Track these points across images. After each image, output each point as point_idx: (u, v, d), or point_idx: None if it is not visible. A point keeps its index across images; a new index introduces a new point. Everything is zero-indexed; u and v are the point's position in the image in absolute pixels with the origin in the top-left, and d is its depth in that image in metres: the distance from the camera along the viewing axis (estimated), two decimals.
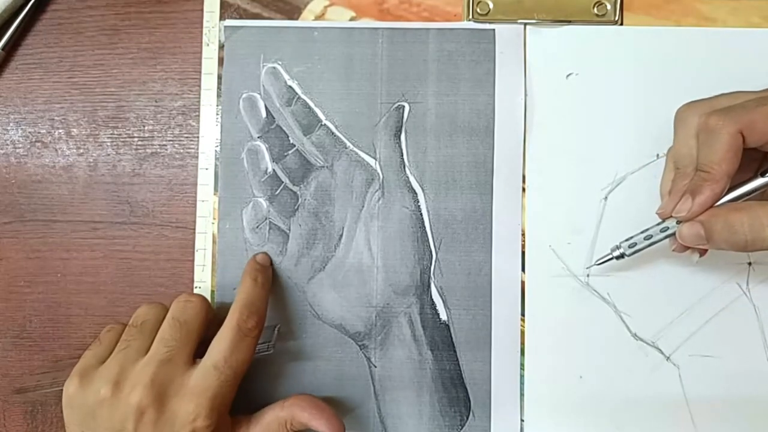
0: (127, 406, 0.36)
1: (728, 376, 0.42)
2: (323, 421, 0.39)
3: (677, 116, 0.39)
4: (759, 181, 0.36)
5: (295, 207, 0.43)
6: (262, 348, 0.41)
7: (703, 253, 0.39)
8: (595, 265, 0.41)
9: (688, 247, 0.38)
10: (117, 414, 0.36)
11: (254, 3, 0.44)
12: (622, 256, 0.40)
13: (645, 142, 0.43)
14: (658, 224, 0.39)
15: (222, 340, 0.38)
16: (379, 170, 0.43)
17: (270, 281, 0.42)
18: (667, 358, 0.42)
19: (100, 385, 0.37)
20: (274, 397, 0.42)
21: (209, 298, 0.43)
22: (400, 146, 0.43)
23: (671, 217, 0.37)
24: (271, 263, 0.43)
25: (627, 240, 0.39)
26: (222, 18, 0.44)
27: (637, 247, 0.39)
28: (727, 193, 0.36)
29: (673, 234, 0.38)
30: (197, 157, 0.44)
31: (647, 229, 0.39)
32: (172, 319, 0.39)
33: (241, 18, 0.44)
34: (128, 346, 0.38)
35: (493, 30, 0.44)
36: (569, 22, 0.44)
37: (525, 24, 0.44)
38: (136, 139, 0.45)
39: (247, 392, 0.42)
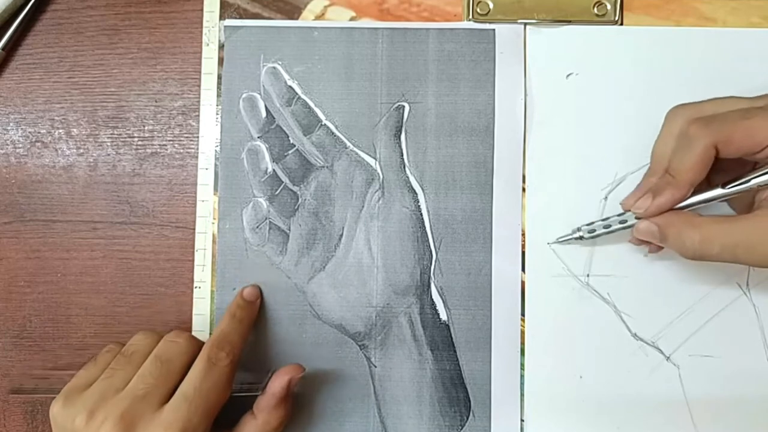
0: None
1: (728, 376, 0.42)
2: (285, 389, 0.40)
3: (667, 115, 0.39)
4: (716, 192, 0.37)
5: (295, 207, 0.43)
6: (252, 388, 0.40)
7: (655, 249, 0.41)
8: (556, 242, 0.43)
9: (643, 242, 0.40)
10: None
11: (254, 3, 0.44)
12: (581, 238, 0.41)
13: (645, 142, 0.43)
14: (620, 215, 0.40)
15: (193, 370, 0.38)
16: (379, 170, 0.43)
17: (252, 317, 0.42)
18: (667, 358, 0.42)
19: (77, 411, 0.37)
20: None
21: (209, 298, 0.43)
22: (400, 146, 0.43)
23: (630, 211, 0.39)
24: (261, 296, 0.43)
25: (588, 225, 0.41)
26: (222, 18, 0.44)
27: (596, 233, 0.41)
28: (691, 195, 0.37)
29: (631, 227, 0.39)
30: (197, 157, 0.44)
31: (608, 218, 0.40)
32: (155, 357, 0.38)
33: (241, 18, 0.44)
34: (113, 375, 0.38)
35: (493, 30, 0.44)
36: (569, 22, 0.44)
37: (525, 24, 0.44)
38: (136, 139, 0.45)
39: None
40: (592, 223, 0.41)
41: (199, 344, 0.40)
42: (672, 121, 0.38)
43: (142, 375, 0.38)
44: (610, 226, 0.40)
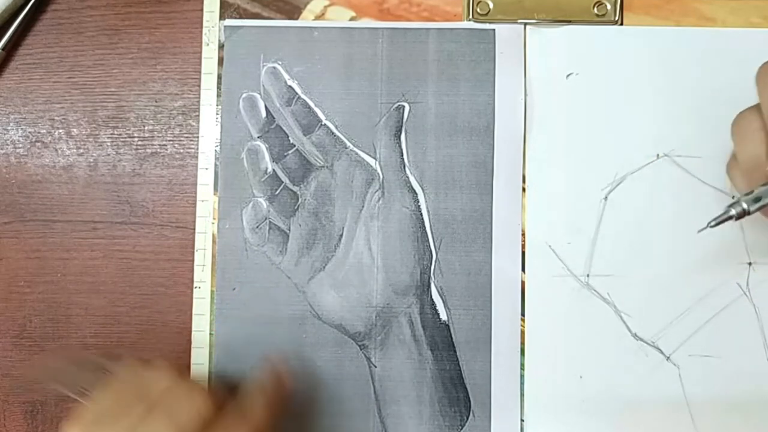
0: None
1: (728, 376, 0.42)
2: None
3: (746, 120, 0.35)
4: None
5: (295, 207, 0.43)
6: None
7: None
8: (708, 227, 0.36)
9: None
10: None
11: (254, 3, 0.44)
12: (745, 213, 0.35)
13: (645, 142, 0.43)
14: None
15: None
16: (379, 170, 0.43)
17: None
18: (667, 358, 0.42)
19: None
20: None
21: (209, 298, 0.43)
22: (400, 146, 0.43)
23: None
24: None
25: (748, 195, 0.34)
26: (222, 18, 0.44)
27: (762, 202, 0.34)
28: None
29: None
30: (197, 157, 0.44)
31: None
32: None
33: (241, 18, 0.44)
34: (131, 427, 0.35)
35: (493, 30, 0.44)
36: (569, 22, 0.44)
37: (525, 24, 0.44)
38: (136, 139, 0.45)
39: None
40: (752, 192, 0.34)
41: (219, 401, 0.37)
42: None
43: None
44: None
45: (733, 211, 0.35)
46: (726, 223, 0.42)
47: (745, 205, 0.35)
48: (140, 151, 0.45)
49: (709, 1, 0.44)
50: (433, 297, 0.43)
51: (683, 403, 0.42)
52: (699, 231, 0.37)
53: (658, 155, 0.43)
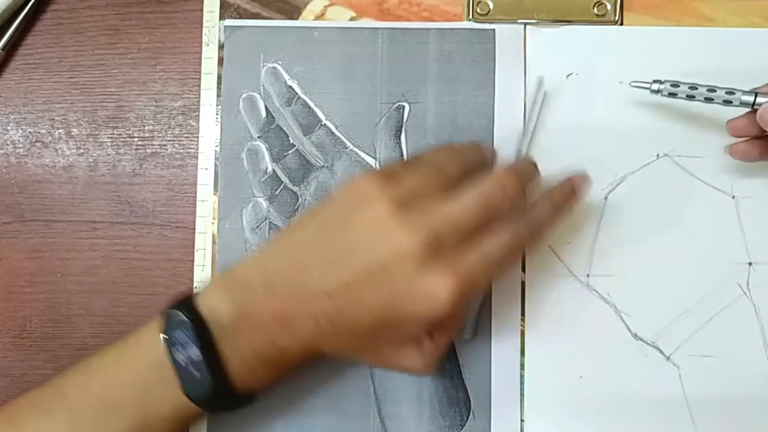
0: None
1: (728, 376, 0.42)
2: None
3: None
4: None
5: (295, 207, 0.43)
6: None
7: (755, 155, 0.39)
8: (631, 84, 0.40)
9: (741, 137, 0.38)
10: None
11: (254, 3, 0.44)
12: (657, 92, 0.39)
13: (645, 142, 0.43)
14: (728, 89, 0.38)
15: (500, 237, 0.34)
16: None
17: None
18: (667, 358, 0.42)
19: (412, 228, 0.33)
20: (273, 399, 0.42)
21: None
22: (400, 146, 0.43)
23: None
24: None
25: (678, 83, 0.38)
26: (222, 18, 0.44)
27: (678, 95, 0.38)
28: None
29: (737, 104, 0.37)
30: (197, 157, 0.44)
31: (715, 87, 0.38)
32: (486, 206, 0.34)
33: (241, 18, 0.44)
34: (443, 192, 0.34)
35: (493, 30, 0.44)
36: (569, 22, 0.44)
37: (525, 24, 0.44)
38: (136, 139, 0.45)
39: None
40: (682, 83, 0.38)
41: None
42: None
43: (464, 208, 0.34)
44: (711, 96, 0.38)
45: (654, 87, 0.39)
46: (726, 223, 0.42)
47: (661, 86, 0.39)
48: (140, 151, 0.45)
49: (709, 1, 0.43)
50: None
51: (683, 403, 0.42)
52: (631, 83, 0.40)
53: (658, 155, 0.43)
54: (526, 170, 0.38)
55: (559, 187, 0.38)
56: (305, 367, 0.38)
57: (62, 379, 0.36)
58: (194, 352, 0.34)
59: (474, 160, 0.38)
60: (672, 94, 0.39)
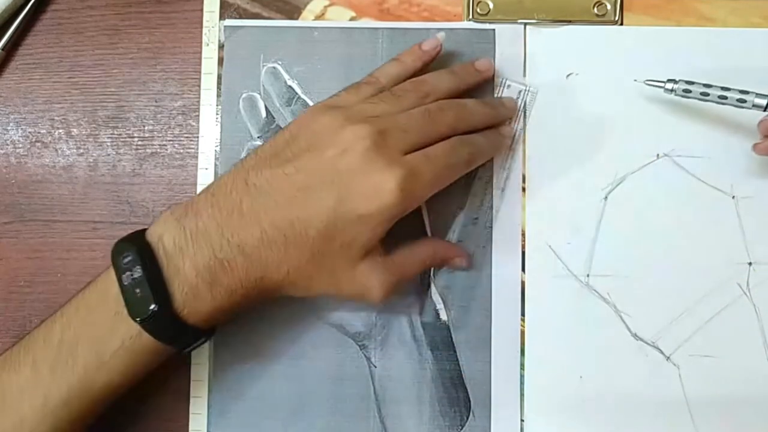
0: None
1: (728, 376, 0.42)
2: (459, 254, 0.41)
3: None
4: None
5: None
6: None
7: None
8: (644, 82, 0.41)
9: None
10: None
11: (254, 3, 0.44)
12: (671, 91, 0.40)
13: (645, 142, 0.43)
14: (742, 90, 0.38)
15: (442, 144, 0.37)
16: None
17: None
18: (667, 358, 0.42)
19: (335, 117, 0.36)
20: (273, 399, 0.42)
21: None
22: None
23: None
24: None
25: (692, 83, 0.39)
26: (222, 18, 0.44)
27: (691, 94, 0.39)
28: None
29: (749, 107, 0.38)
30: (197, 157, 0.44)
31: (729, 88, 0.39)
32: (426, 111, 0.38)
33: (241, 18, 0.44)
34: (376, 104, 0.37)
35: (493, 30, 0.44)
36: (569, 22, 0.44)
37: (525, 24, 0.44)
38: (136, 139, 0.45)
39: (245, 393, 0.42)
40: (695, 83, 0.39)
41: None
42: None
43: (410, 116, 0.37)
44: (725, 96, 0.38)
45: (669, 86, 0.40)
46: (726, 224, 0.42)
47: (675, 86, 0.39)
48: (140, 151, 0.45)
49: (709, 1, 0.43)
50: (433, 297, 0.43)
51: (683, 403, 0.42)
52: (639, 80, 0.41)
53: (658, 155, 0.43)
54: (493, 103, 0.41)
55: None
56: (258, 304, 0.37)
57: (29, 335, 0.37)
58: (137, 272, 0.34)
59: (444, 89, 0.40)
60: (686, 93, 0.39)
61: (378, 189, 0.34)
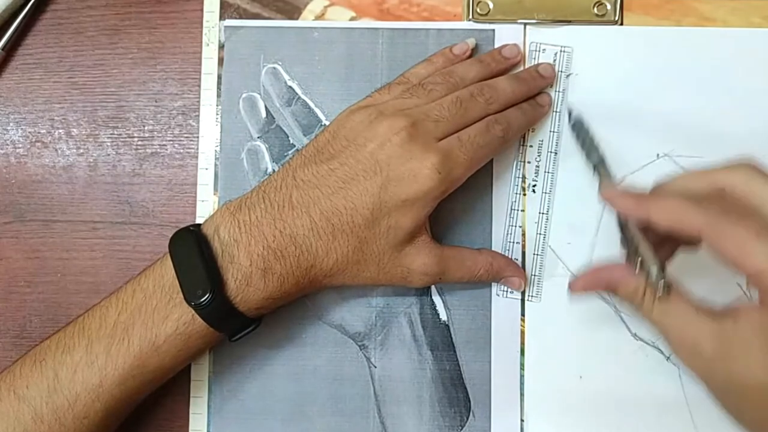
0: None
1: None
2: (517, 274, 0.42)
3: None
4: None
5: None
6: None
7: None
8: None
9: None
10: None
11: (254, 3, 0.44)
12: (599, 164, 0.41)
13: (645, 142, 0.43)
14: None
15: (473, 127, 0.39)
16: None
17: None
18: (667, 358, 0.42)
19: (367, 113, 0.38)
20: (273, 399, 0.42)
21: None
22: None
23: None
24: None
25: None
26: (222, 18, 0.44)
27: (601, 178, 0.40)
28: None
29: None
30: (197, 157, 0.44)
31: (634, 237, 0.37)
32: (457, 99, 0.39)
33: (241, 18, 0.44)
34: (408, 99, 0.39)
35: (493, 30, 0.44)
36: (569, 22, 0.44)
37: (525, 24, 0.44)
38: (136, 139, 0.45)
39: (245, 393, 0.42)
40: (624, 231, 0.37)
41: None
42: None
43: (441, 105, 0.38)
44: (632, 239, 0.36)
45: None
46: None
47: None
48: (140, 151, 0.45)
49: (709, 1, 0.43)
50: (433, 297, 0.43)
51: (683, 403, 0.42)
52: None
53: (658, 155, 0.43)
54: (526, 76, 0.42)
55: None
56: (305, 293, 0.39)
57: (84, 315, 0.38)
58: (194, 259, 0.36)
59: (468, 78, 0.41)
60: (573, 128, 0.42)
61: (417, 174, 0.37)
